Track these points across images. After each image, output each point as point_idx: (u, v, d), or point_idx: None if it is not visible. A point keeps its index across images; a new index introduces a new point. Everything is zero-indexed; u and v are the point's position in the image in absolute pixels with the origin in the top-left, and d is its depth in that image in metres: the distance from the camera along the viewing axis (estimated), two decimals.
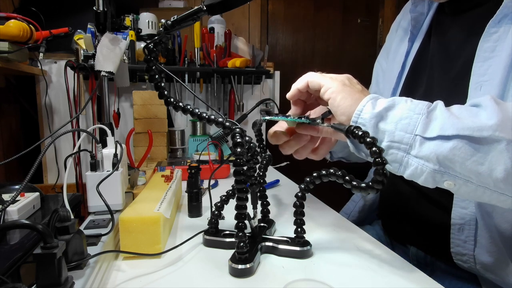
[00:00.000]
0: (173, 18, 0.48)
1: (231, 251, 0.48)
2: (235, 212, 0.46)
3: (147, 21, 1.40)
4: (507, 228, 0.52)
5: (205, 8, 0.47)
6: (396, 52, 0.77)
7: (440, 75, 0.65)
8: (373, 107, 0.44)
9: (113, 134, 0.63)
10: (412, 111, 0.43)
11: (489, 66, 0.54)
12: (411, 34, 0.73)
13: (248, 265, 0.44)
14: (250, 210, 0.49)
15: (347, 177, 0.45)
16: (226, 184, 0.94)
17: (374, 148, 0.41)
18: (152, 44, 0.49)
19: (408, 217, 0.68)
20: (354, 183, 0.43)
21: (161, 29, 0.49)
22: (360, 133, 0.42)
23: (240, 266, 0.44)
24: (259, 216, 0.59)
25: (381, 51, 0.87)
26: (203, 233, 0.54)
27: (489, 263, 0.54)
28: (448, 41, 0.65)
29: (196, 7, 0.48)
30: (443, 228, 0.58)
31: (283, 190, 0.88)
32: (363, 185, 0.43)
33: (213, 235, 0.54)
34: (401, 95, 0.71)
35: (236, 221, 0.46)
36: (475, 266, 0.55)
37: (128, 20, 1.30)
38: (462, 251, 0.56)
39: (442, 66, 0.65)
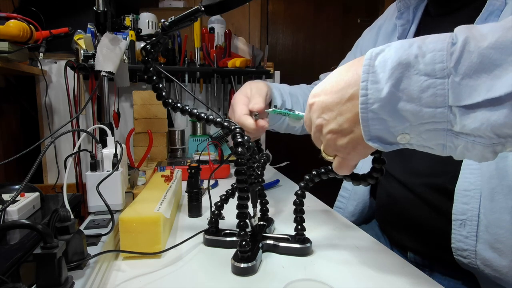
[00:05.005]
0: (171, 18, 0.48)
1: (232, 250, 0.48)
2: (235, 211, 0.46)
3: (147, 21, 1.40)
4: (511, 222, 0.52)
5: (203, 9, 0.47)
6: None
7: None
8: (378, 89, 0.34)
9: (113, 134, 0.63)
10: (431, 77, 0.32)
11: None
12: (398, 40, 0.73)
13: (250, 264, 0.45)
14: (250, 209, 0.49)
15: None
16: (226, 184, 0.94)
17: None
18: (149, 45, 0.49)
19: (406, 223, 0.67)
20: (353, 175, 0.45)
21: (159, 30, 0.49)
22: None
23: (242, 265, 0.44)
24: (258, 214, 0.59)
25: (355, 46, 0.88)
26: (203, 232, 0.55)
27: (490, 259, 0.53)
28: None
29: (194, 8, 0.48)
30: (442, 233, 0.58)
31: (282, 190, 0.88)
32: (362, 176, 0.44)
33: (214, 234, 0.54)
34: None
35: (237, 220, 0.46)
36: (476, 262, 0.55)
37: (128, 20, 1.30)
38: (463, 247, 0.56)
39: None
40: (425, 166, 0.62)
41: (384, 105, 0.34)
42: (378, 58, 0.35)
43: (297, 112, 0.52)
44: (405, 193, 0.66)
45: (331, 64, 2.66)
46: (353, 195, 0.81)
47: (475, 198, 0.54)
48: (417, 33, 0.71)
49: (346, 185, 0.84)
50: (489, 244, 0.53)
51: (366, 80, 0.35)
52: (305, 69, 2.56)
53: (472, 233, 0.55)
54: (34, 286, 0.33)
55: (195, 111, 0.50)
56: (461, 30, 0.32)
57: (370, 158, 0.44)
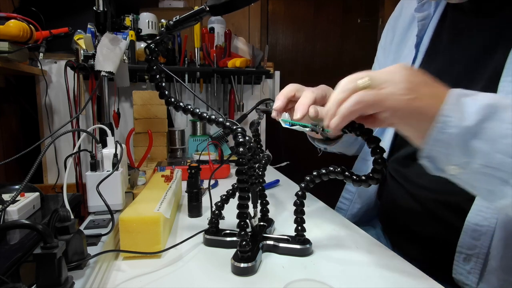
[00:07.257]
0: (176, 18, 0.48)
1: (232, 250, 0.48)
2: (236, 211, 0.46)
3: (147, 21, 1.40)
4: None
5: (208, 9, 0.47)
6: (398, 53, 0.72)
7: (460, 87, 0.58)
8: (461, 118, 0.34)
9: (113, 134, 0.63)
10: None
11: None
12: (417, 38, 0.65)
13: (250, 264, 0.45)
14: (250, 209, 0.49)
15: (346, 173, 0.46)
16: (226, 184, 0.94)
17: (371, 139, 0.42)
18: (153, 44, 0.49)
19: (410, 233, 0.64)
20: (354, 177, 0.45)
21: (162, 29, 0.49)
22: (356, 124, 0.43)
23: (242, 265, 0.44)
24: (258, 215, 0.59)
25: (378, 50, 0.82)
26: (203, 232, 0.54)
27: None
28: (470, 47, 0.57)
29: (199, 8, 0.48)
30: (449, 245, 0.54)
31: (282, 190, 0.88)
32: (363, 177, 0.44)
33: (214, 234, 0.54)
34: None
35: (237, 220, 0.46)
36: None
37: (128, 20, 1.30)
38: (464, 281, 0.52)
39: (465, 77, 0.56)
40: (441, 184, 0.56)
41: (463, 133, 0.34)
42: (468, 97, 0.36)
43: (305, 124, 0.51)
44: (413, 205, 0.63)
45: (331, 64, 2.66)
46: (356, 198, 0.78)
47: (487, 235, 0.49)
48: (438, 29, 0.63)
49: (350, 187, 0.81)
50: (494, 286, 0.49)
51: (453, 104, 0.35)
52: (305, 69, 2.56)
53: (476, 270, 0.51)
54: (34, 286, 0.33)
55: (197, 110, 0.50)
56: None
57: (371, 159, 0.44)
